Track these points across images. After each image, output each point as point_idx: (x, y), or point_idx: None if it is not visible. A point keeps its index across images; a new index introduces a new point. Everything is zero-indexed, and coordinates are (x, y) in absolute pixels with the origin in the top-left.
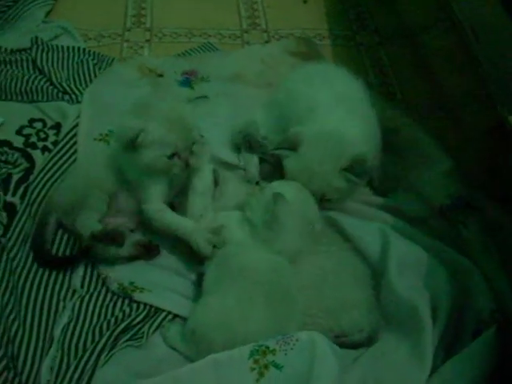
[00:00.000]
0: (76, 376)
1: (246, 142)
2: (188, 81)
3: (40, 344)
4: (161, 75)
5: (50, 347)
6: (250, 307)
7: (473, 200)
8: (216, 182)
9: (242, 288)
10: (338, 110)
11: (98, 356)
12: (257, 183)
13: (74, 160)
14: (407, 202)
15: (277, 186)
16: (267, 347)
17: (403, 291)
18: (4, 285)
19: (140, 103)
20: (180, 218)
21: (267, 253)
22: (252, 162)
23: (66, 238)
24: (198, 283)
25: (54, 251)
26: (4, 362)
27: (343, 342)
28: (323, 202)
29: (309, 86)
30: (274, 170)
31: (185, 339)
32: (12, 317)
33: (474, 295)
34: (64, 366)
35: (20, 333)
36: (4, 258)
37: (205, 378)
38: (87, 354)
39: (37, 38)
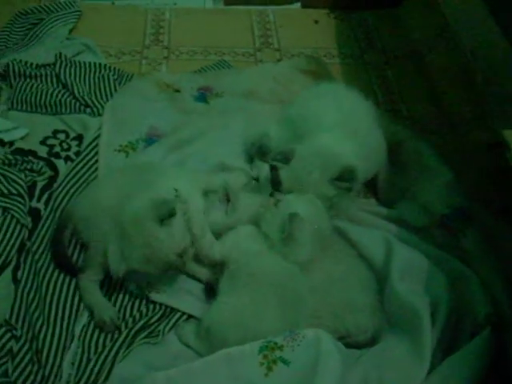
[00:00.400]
0: (96, 370)
1: (259, 152)
2: (203, 96)
3: (62, 340)
4: (178, 90)
5: (71, 343)
6: (263, 308)
7: (472, 211)
8: (228, 199)
9: (256, 290)
10: (337, 129)
11: (117, 352)
12: (271, 194)
13: (95, 169)
14: (410, 212)
15: (291, 199)
16: (275, 343)
17: (405, 295)
18: (29, 285)
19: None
20: None
21: (281, 260)
22: (264, 172)
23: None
24: (206, 292)
25: (73, 255)
26: (29, 356)
27: (348, 342)
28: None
29: (318, 104)
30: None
31: (199, 337)
32: (36, 314)
33: (471, 300)
34: (84, 361)
35: (44, 329)
36: (29, 260)
37: (217, 370)
38: (106, 350)
39: (61, 53)
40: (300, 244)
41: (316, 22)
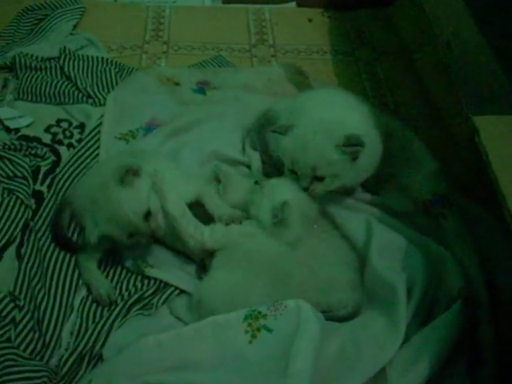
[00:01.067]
0: (93, 338)
1: (266, 124)
2: (202, 89)
3: (62, 311)
4: (177, 84)
5: (71, 315)
6: (253, 284)
7: (454, 198)
8: (218, 179)
9: (248, 267)
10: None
11: (113, 322)
12: (256, 182)
13: (96, 155)
14: (394, 198)
15: (275, 183)
16: (259, 312)
17: (382, 272)
18: (32, 261)
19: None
20: None
21: (273, 241)
22: (255, 159)
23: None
24: (199, 269)
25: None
26: (30, 325)
27: (329, 316)
28: (314, 185)
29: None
30: (274, 169)
31: (189, 310)
32: (38, 287)
33: (446, 278)
34: (83, 330)
35: (45, 301)
36: (32, 238)
37: (204, 336)
38: (103, 320)
39: (65, 47)
40: (290, 227)
41: (310, 20)
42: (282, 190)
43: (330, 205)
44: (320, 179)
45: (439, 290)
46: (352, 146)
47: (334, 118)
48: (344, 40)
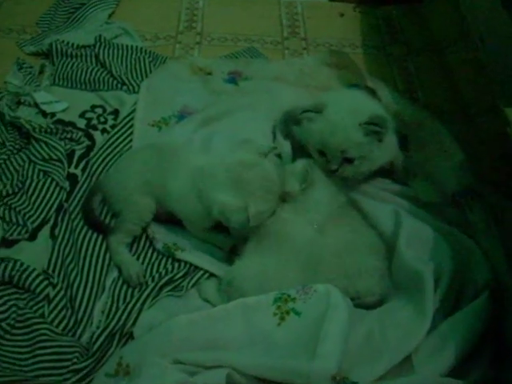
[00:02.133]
0: (124, 317)
1: (285, 120)
2: (233, 79)
3: (94, 290)
4: (209, 73)
5: (102, 294)
6: (284, 269)
7: (481, 190)
8: None
9: (280, 253)
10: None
11: (144, 302)
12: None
13: (129, 141)
14: (422, 189)
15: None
16: (289, 295)
17: (410, 262)
18: (65, 241)
19: (233, 172)
20: None
21: (307, 229)
22: (286, 148)
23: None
24: (229, 255)
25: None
26: (63, 302)
27: (357, 303)
28: (343, 167)
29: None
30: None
31: (219, 292)
32: (71, 266)
33: (473, 269)
34: (114, 309)
35: (77, 280)
36: (66, 219)
37: (234, 317)
38: (134, 300)
39: (100, 36)
40: (315, 187)
41: (341, 14)
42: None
43: (358, 195)
44: (349, 161)
45: (466, 281)
46: (376, 125)
47: (361, 102)
48: (375, 35)
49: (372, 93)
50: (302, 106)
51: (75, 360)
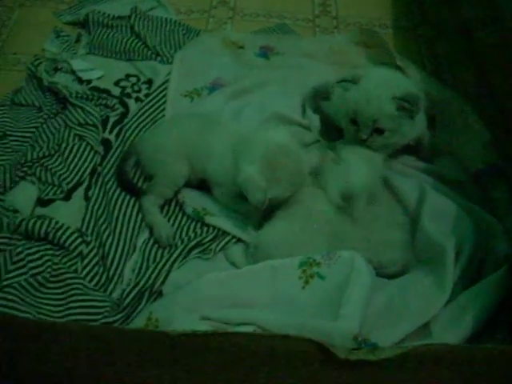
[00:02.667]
0: (153, 275)
1: (314, 95)
2: (265, 54)
3: (125, 249)
4: (241, 47)
5: (133, 254)
6: (311, 238)
7: (505, 168)
8: None
9: (308, 222)
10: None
11: (173, 262)
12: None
13: (162, 110)
14: (447, 166)
15: (350, 162)
16: (314, 260)
17: (433, 235)
18: (99, 202)
19: (267, 154)
20: None
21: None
22: (315, 122)
23: None
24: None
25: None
26: (96, 259)
27: (379, 273)
28: (373, 137)
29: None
30: (332, 132)
31: (245, 255)
32: (104, 226)
33: (493, 244)
34: (144, 268)
35: (110, 239)
36: (100, 181)
37: (261, 277)
38: (164, 260)
39: (136, 7)
40: (356, 208)
41: None
42: (357, 172)
43: (385, 170)
44: (380, 132)
45: (487, 256)
46: (408, 103)
47: (397, 78)
48: (406, 16)
49: (401, 72)
50: (331, 81)
51: (106, 314)
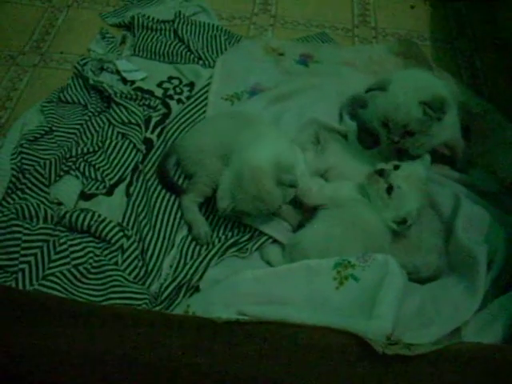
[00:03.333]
0: (191, 271)
1: (352, 102)
2: (304, 61)
3: (165, 245)
4: (281, 54)
5: (171, 250)
6: (349, 243)
7: None
8: (318, 141)
9: (348, 228)
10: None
11: (210, 260)
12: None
13: (203, 112)
14: (481, 177)
15: (404, 190)
16: (349, 262)
17: (466, 243)
18: (139, 199)
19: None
20: None
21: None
22: (352, 128)
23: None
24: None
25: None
26: (136, 253)
27: (412, 277)
28: (405, 140)
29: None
30: (368, 138)
31: (282, 254)
32: (144, 222)
33: None
34: (181, 264)
35: (150, 234)
36: (141, 179)
37: (297, 276)
38: (201, 257)
39: (180, 12)
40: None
41: (412, 7)
42: (410, 201)
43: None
44: (410, 134)
45: None
46: (432, 109)
47: (424, 80)
48: (444, 29)
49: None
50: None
51: (144, 306)
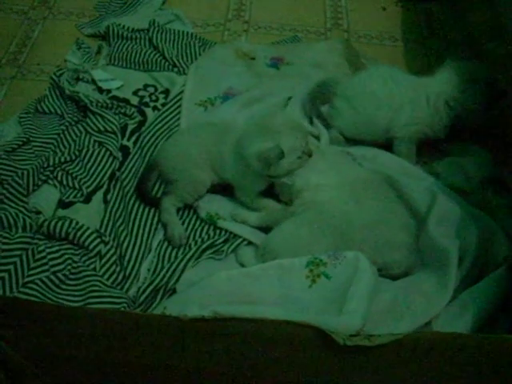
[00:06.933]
0: (168, 274)
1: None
2: (275, 64)
3: (142, 250)
4: (253, 58)
5: (149, 254)
6: (317, 240)
7: (506, 180)
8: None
9: (316, 225)
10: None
11: (186, 262)
12: None
13: (178, 118)
14: (453, 175)
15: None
16: (321, 260)
17: (438, 238)
18: (117, 205)
19: (259, 123)
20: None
21: (341, 202)
22: (324, 130)
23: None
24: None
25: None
26: (114, 258)
27: (383, 274)
28: None
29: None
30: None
31: (255, 256)
32: (121, 228)
33: (493, 247)
34: (159, 268)
35: (127, 239)
36: (118, 186)
37: (269, 276)
38: (178, 260)
39: (154, 21)
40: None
41: (384, 8)
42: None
43: (396, 173)
44: None
45: (488, 259)
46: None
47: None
48: (415, 29)
49: None
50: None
51: (122, 309)
